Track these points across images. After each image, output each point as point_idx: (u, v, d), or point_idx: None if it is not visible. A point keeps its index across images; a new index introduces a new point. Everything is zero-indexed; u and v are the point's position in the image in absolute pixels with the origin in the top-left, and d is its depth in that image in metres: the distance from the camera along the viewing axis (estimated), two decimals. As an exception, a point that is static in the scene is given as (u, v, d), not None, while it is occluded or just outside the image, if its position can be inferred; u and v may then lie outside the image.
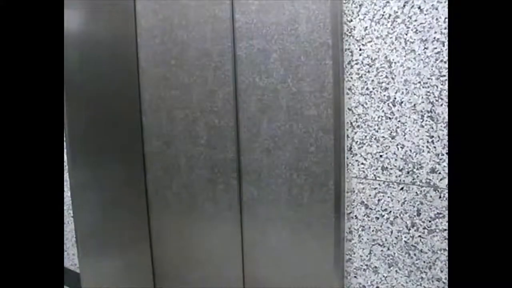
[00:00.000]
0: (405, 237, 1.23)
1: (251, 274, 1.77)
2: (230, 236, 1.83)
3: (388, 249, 1.26)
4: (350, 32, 1.23)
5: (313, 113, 1.39)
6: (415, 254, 1.22)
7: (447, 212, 1.16)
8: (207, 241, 1.96)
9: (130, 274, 2.10)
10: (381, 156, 1.24)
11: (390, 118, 1.21)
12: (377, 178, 1.25)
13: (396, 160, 1.22)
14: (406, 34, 1.15)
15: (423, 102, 1.15)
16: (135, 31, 1.94)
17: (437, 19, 1.11)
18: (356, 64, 1.24)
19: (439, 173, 1.16)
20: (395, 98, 1.19)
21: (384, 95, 1.21)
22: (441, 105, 1.13)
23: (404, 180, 1.21)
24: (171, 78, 1.83)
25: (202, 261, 2.02)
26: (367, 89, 1.23)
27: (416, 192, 1.20)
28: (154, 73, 1.90)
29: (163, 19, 1.82)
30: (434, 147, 1.16)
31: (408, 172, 1.20)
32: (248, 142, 1.64)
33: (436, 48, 1.12)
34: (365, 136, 1.25)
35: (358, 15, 1.21)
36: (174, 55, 1.81)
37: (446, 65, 1.11)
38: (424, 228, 1.20)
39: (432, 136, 1.16)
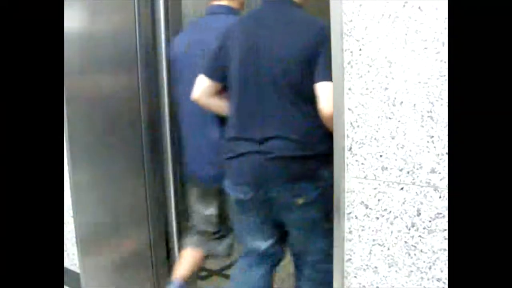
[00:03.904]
0: (405, 237, 1.23)
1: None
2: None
3: (388, 249, 1.26)
4: (350, 32, 1.23)
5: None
6: (415, 254, 1.22)
7: (447, 212, 1.16)
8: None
9: (130, 274, 2.10)
10: (381, 156, 1.24)
11: (390, 118, 1.21)
12: (377, 178, 1.25)
13: (396, 160, 1.22)
14: (406, 34, 1.15)
15: (423, 102, 1.15)
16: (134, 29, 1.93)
17: (437, 19, 1.11)
18: (356, 64, 1.24)
19: (439, 173, 1.16)
20: (395, 98, 1.19)
21: (384, 95, 1.21)
22: (441, 105, 1.13)
23: (404, 180, 1.21)
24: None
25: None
26: (367, 89, 1.23)
27: (416, 192, 1.20)
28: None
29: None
30: (434, 147, 1.16)
31: (408, 172, 1.20)
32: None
33: (436, 48, 1.12)
34: (365, 136, 1.25)
35: (358, 15, 1.21)
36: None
37: (446, 65, 1.11)
38: (424, 228, 1.20)
39: (432, 136, 1.16)
